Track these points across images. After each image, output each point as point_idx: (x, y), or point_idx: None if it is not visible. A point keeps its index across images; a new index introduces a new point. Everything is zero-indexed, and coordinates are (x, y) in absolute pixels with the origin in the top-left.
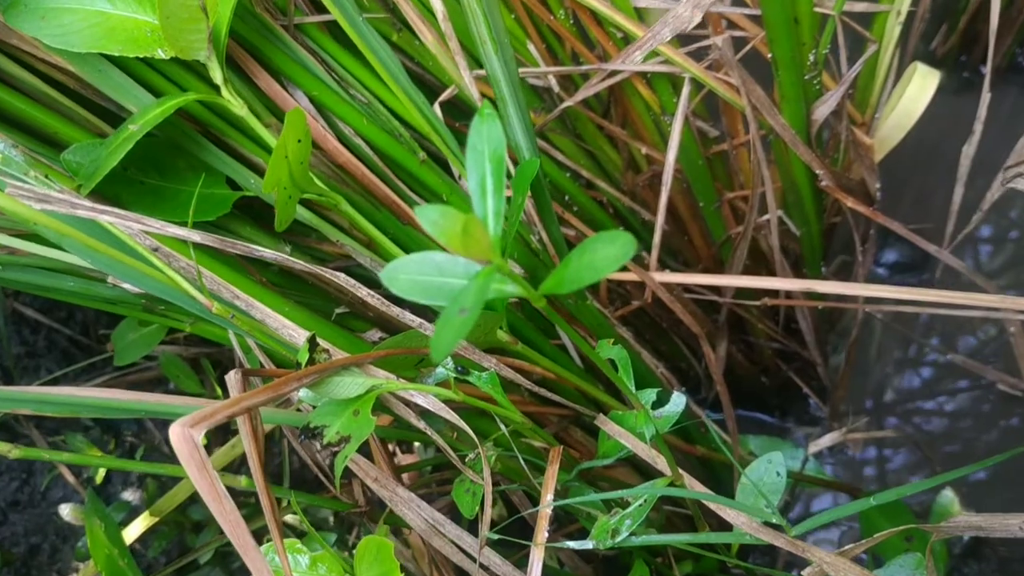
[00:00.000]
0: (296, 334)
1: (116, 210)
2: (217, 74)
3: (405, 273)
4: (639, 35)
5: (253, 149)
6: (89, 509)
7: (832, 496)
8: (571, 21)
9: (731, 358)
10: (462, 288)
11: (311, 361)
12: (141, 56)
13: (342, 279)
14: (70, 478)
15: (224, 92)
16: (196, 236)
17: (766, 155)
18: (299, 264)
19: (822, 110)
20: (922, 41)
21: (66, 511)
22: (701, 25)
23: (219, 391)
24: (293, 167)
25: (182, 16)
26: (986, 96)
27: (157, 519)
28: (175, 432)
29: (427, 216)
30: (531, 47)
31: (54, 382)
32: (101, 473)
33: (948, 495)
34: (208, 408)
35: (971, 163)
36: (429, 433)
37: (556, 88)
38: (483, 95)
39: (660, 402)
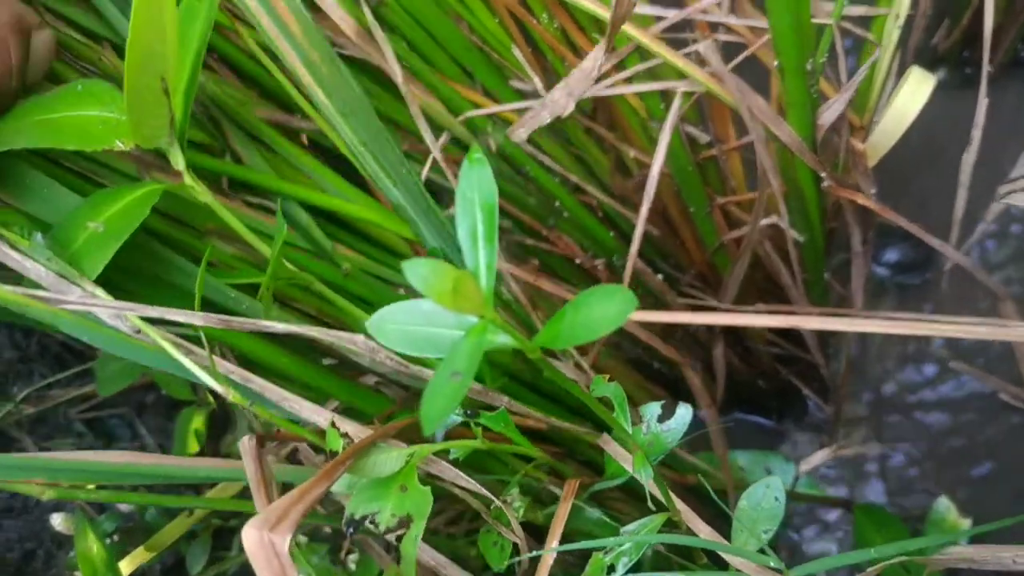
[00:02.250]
0: (299, 407)
1: (134, 305)
2: (179, 160)
3: (392, 323)
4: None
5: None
6: (80, 530)
7: None
8: (555, 24)
9: (727, 364)
10: (452, 345)
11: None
12: (100, 150)
13: (360, 343)
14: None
15: (187, 178)
16: (198, 319)
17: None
18: (314, 331)
19: (828, 115)
20: (925, 34)
21: (57, 520)
22: (690, 28)
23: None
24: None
25: (148, 100)
26: (983, 101)
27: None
28: (251, 537)
29: (416, 272)
30: (516, 52)
31: (47, 388)
32: None
33: (944, 503)
34: (279, 508)
35: (972, 167)
36: (460, 483)
37: (543, 93)
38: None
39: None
